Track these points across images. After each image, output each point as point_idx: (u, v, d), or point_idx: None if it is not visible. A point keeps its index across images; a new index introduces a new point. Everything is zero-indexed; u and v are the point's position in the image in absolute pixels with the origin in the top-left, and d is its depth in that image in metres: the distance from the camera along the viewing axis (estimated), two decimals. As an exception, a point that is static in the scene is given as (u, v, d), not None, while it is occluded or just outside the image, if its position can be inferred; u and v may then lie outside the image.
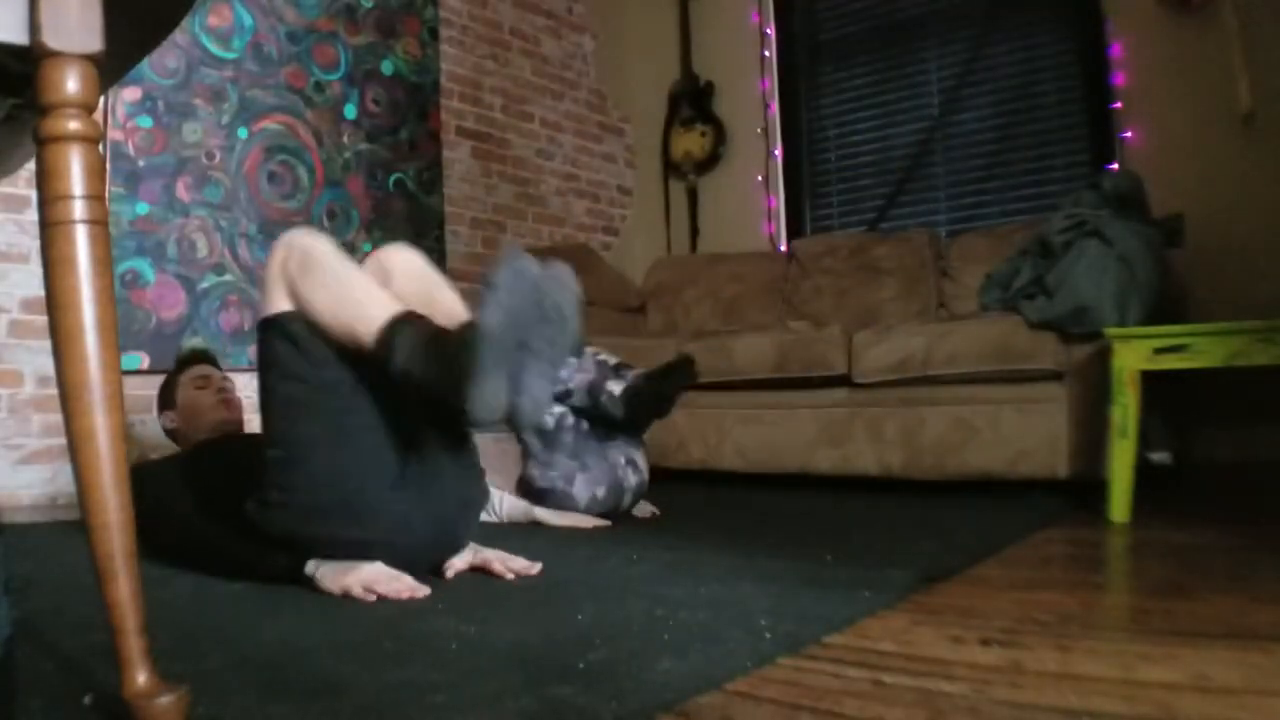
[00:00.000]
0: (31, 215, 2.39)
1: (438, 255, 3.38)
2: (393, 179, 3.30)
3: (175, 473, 1.55)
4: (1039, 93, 3.43)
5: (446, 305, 1.33)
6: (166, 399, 1.89)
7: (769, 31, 4.09)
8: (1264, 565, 1.38)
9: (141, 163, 2.63)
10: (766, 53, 4.09)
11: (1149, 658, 0.91)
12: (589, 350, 2.07)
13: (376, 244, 3.07)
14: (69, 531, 1.83)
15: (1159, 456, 2.24)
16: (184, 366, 1.93)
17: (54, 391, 0.73)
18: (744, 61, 4.12)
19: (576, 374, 1.98)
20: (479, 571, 1.41)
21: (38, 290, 2.25)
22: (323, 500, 1.26)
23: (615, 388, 1.97)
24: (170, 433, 1.91)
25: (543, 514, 1.99)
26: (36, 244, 0.81)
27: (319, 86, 3.09)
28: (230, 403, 1.87)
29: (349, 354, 1.25)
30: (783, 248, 3.88)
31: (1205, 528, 1.74)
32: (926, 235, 3.21)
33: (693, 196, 4.24)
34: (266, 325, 1.29)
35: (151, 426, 2.61)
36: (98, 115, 0.75)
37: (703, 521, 2.06)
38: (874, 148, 3.86)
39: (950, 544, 1.61)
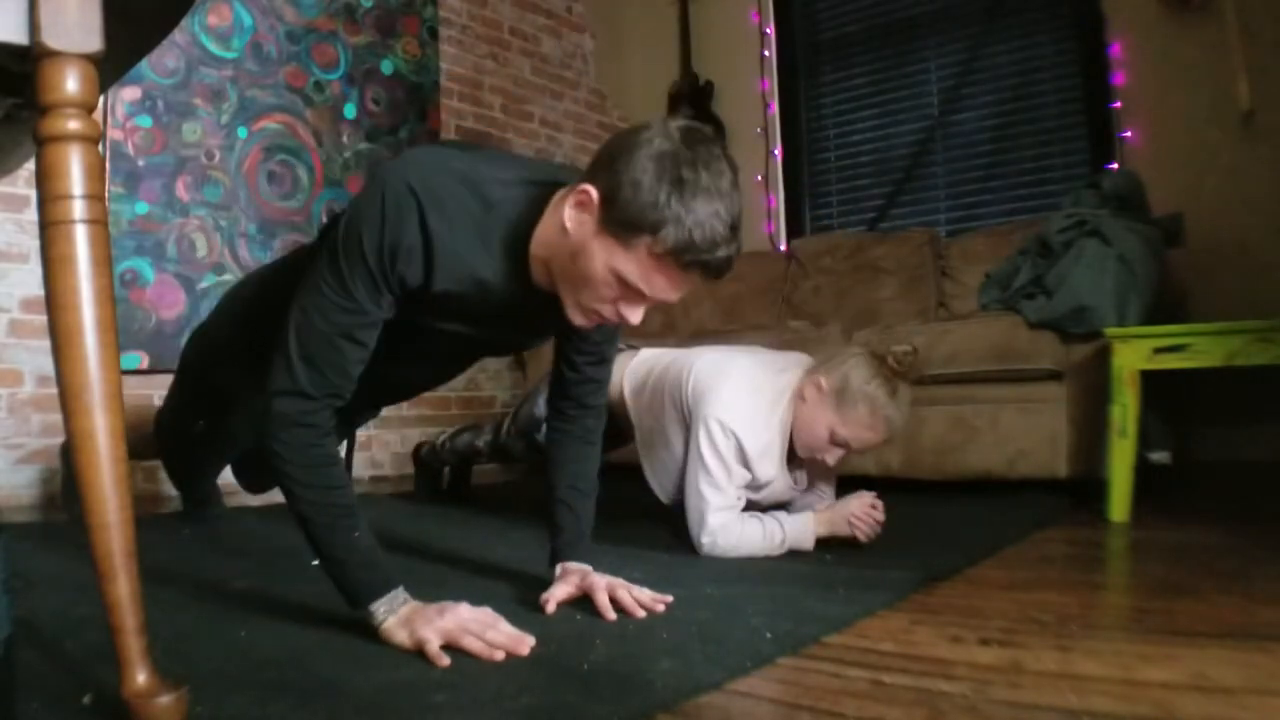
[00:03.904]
0: (31, 215, 2.39)
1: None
2: (392, 179, 3.30)
3: None
4: (1038, 92, 3.42)
5: None
6: None
7: (769, 31, 4.09)
8: (1264, 565, 1.38)
9: (141, 162, 2.63)
10: (766, 52, 4.09)
11: (1148, 658, 0.91)
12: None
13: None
14: (69, 531, 1.83)
15: (1159, 456, 2.24)
16: None
17: (54, 391, 0.73)
18: (743, 61, 4.12)
19: None
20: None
21: (37, 290, 2.25)
22: None
23: None
24: None
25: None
26: (36, 244, 0.81)
27: (319, 86, 3.09)
28: None
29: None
30: (782, 247, 3.87)
31: (1205, 528, 1.74)
32: (926, 235, 3.21)
33: (692, 196, 4.24)
34: None
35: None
36: (97, 115, 0.75)
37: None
38: (873, 147, 3.86)
39: (950, 544, 1.61)
